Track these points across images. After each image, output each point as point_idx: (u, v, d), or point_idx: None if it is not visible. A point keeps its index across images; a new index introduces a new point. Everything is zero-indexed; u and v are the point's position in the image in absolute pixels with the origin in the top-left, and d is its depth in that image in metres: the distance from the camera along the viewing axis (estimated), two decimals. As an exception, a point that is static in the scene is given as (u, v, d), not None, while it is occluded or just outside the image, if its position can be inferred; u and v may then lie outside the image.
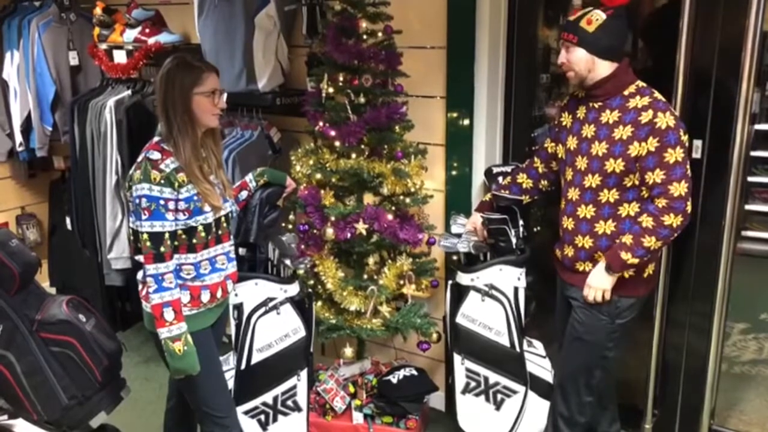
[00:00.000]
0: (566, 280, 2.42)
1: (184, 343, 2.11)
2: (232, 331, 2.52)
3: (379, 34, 2.65)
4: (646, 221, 2.14)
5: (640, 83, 2.21)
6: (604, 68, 2.19)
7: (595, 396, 2.46)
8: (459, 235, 2.66)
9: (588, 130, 2.25)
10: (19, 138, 3.94)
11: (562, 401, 2.49)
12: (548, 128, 2.81)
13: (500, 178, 2.72)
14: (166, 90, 2.13)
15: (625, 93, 2.19)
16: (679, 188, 2.10)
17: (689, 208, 2.13)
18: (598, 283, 2.25)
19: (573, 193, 2.31)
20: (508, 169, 2.74)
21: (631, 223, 2.20)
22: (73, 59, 3.89)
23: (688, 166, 2.12)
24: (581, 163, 2.27)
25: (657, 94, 2.17)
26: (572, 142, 2.31)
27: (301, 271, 2.71)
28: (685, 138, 2.11)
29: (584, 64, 2.19)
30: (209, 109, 2.17)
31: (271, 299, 2.49)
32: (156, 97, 2.22)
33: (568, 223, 2.35)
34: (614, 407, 2.66)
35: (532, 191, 2.59)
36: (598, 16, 2.15)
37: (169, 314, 2.08)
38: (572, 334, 2.40)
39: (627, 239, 2.17)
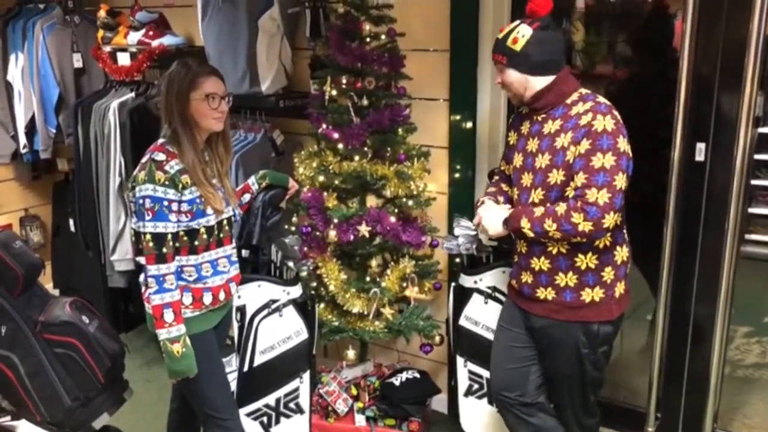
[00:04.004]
0: (528, 309, 2.22)
1: (183, 345, 2.11)
2: (235, 332, 2.52)
3: (383, 37, 2.65)
4: (560, 207, 1.98)
5: (584, 90, 2.09)
6: (540, 83, 2.06)
7: (598, 416, 2.36)
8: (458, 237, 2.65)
9: (532, 145, 2.13)
10: (23, 140, 3.95)
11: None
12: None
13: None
14: (167, 94, 2.16)
15: (568, 101, 2.06)
16: (597, 195, 1.92)
17: (607, 223, 1.93)
18: (491, 222, 2.15)
19: None
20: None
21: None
22: (77, 61, 3.91)
23: (617, 177, 1.93)
24: (527, 179, 2.14)
25: (601, 99, 2.04)
26: (518, 160, 2.18)
27: (303, 274, 2.71)
28: (622, 146, 1.95)
29: (518, 84, 2.08)
30: (208, 114, 2.16)
31: (274, 301, 2.49)
32: (159, 100, 2.24)
33: (521, 246, 2.19)
34: None
35: None
36: (524, 31, 2.02)
37: (168, 315, 2.09)
38: (553, 372, 2.25)
39: (538, 211, 2.03)
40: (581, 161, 1.97)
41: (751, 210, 2.50)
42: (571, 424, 2.33)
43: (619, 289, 2.13)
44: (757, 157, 2.42)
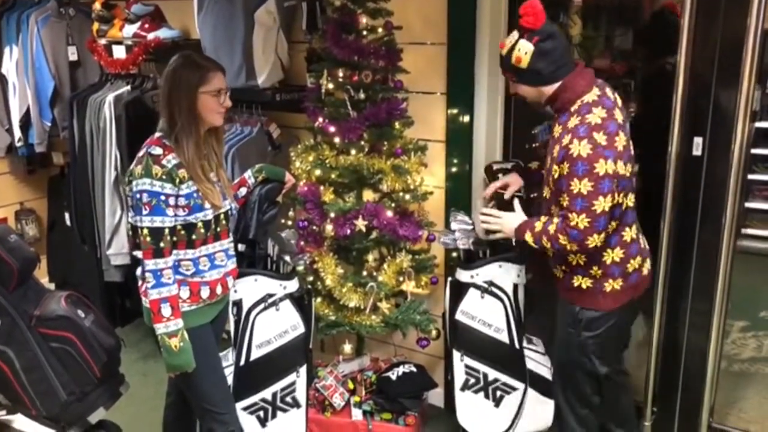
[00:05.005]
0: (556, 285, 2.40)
1: (181, 339, 2.10)
2: (231, 327, 2.52)
3: (380, 30, 2.64)
4: (552, 226, 2.11)
5: (587, 97, 2.08)
6: (552, 89, 2.12)
7: (592, 409, 2.40)
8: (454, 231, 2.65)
9: (551, 144, 2.21)
10: (18, 133, 3.94)
11: (559, 419, 2.47)
12: (548, 125, 2.79)
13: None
14: (172, 88, 2.13)
15: (572, 109, 2.10)
16: (577, 220, 2.02)
17: (592, 243, 2.05)
18: (507, 225, 2.30)
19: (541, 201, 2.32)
20: (509, 165, 2.73)
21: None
22: (72, 54, 3.89)
23: (596, 202, 1.99)
24: (545, 174, 2.26)
25: (591, 117, 2.03)
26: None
27: (300, 268, 2.71)
28: (601, 170, 1.97)
29: (534, 95, 2.17)
30: (215, 108, 2.16)
31: (271, 295, 2.49)
32: (159, 93, 2.22)
33: None
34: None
35: None
36: (526, 48, 2.04)
37: (166, 310, 2.08)
38: (554, 347, 2.45)
39: (538, 226, 2.17)
40: (564, 183, 2.05)
41: (747, 204, 2.50)
42: (565, 411, 2.37)
43: (611, 285, 2.21)
44: (754, 151, 2.42)
